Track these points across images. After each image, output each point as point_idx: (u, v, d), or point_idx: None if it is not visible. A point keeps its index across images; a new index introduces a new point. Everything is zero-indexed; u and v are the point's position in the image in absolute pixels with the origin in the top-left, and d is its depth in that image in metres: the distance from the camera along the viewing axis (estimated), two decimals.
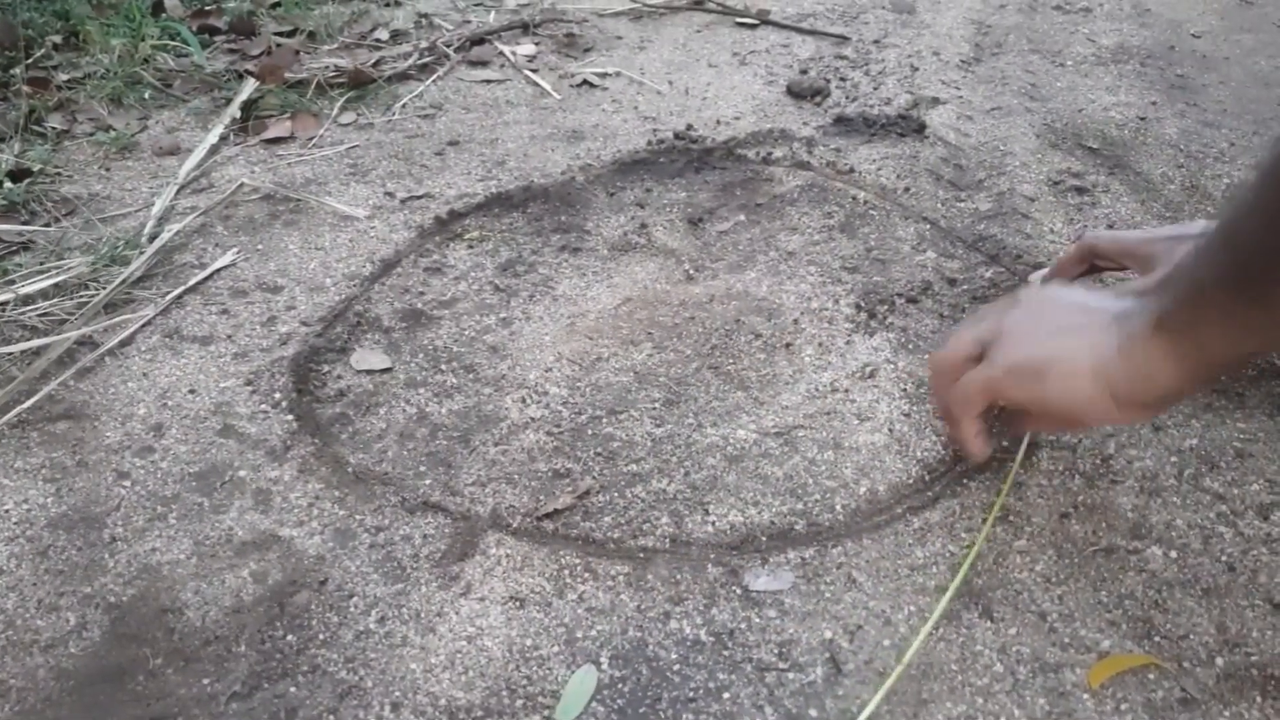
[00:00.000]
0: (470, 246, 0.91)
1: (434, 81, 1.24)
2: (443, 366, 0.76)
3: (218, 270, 0.86)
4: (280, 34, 1.37)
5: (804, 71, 1.27)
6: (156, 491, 0.64)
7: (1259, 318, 0.44)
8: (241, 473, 0.66)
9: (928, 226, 0.93)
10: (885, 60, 1.31)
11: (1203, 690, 0.51)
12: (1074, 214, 0.94)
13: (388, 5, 1.51)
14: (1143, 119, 1.14)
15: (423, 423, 0.70)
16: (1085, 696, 0.51)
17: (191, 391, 0.73)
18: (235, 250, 0.89)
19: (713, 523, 0.62)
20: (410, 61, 1.27)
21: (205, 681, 0.52)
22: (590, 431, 0.69)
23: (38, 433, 0.69)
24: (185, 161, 1.03)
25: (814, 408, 0.71)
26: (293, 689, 0.52)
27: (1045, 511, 0.62)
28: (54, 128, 1.09)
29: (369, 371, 0.75)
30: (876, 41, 1.38)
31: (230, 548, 0.60)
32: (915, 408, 0.71)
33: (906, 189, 0.98)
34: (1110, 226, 0.92)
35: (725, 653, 0.53)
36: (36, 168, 1.00)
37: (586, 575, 0.58)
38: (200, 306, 0.82)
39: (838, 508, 0.63)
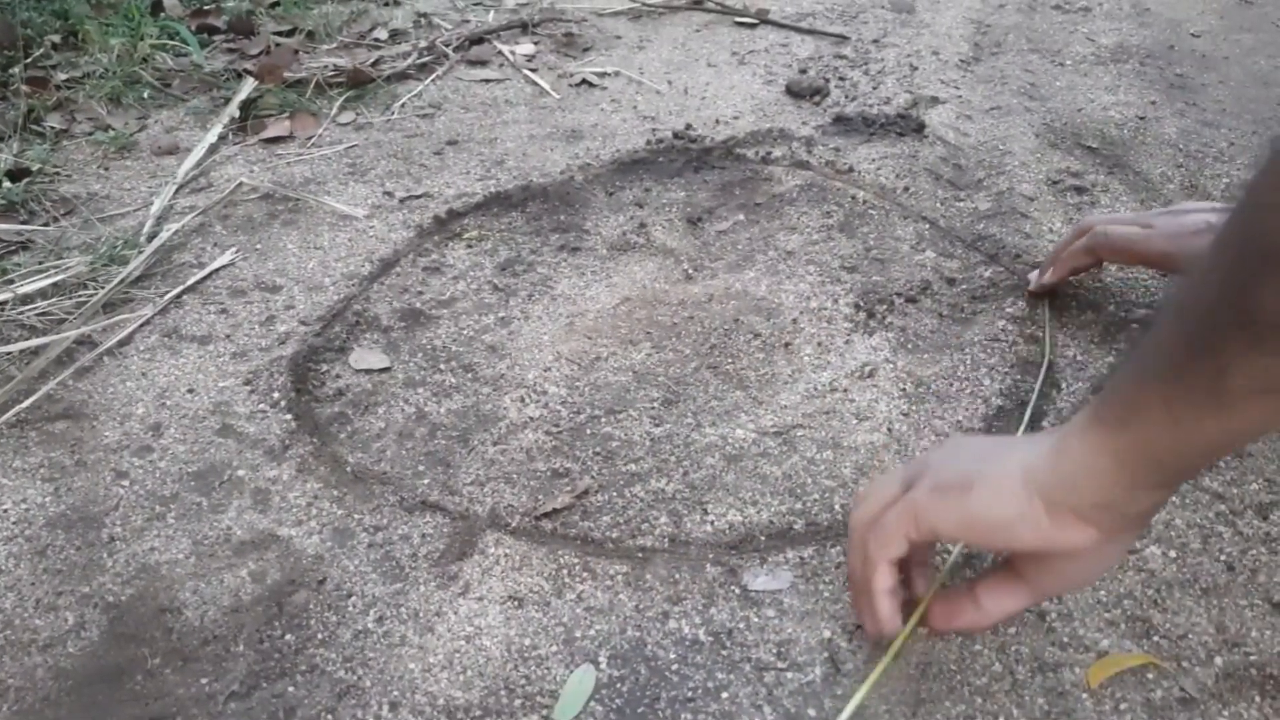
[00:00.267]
0: (469, 246, 0.90)
1: (433, 81, 1.24)
2: (441, 366, 0.75)
3: (216, 270, 0.86)
4: (279, 33, 1.37)
5: (803, 71, 1.27)
6: (155, 491, 0.64)
7: (1206, 407, 0.36)
8: (240, 472, 0.66)
9: (927, 226, 0.93)
10: (884, 60, 1.31)
11: (1202, 690, 0.51)
12: (1073, 213, 0.94)
13: (387, 5, 1.51)
14: (1142, 118, 1.14)
15: (421, 422, 0.70)
16: (1084, 696, 0.51)
17: (190, 391, 0.73)
18: (234, 250, 0.89)
19: (711, 522, 0.62)
20: (409, 61, 1.27)
21: (204, 681, 0.52)
22: (589, 431, 0.69)
23: (36, 432, 0.69)
24: (184, 161, 1.03)
25: (813, 407, 0.71)
26: (291, 688, 0.52)
27: None
28: (53, 127, 1.09)
29: (368, 371, 0.75)
30: (876, 41, 1.38)
31: (229, 547, 0.60)
32: (914, 407, 0.71)
33: (905, 188, 0.98)
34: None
35: (724, 652, 0.53)
36: (35, 167, 1.00)
37: (585, 575, 0.58)
38: (199, 306, 0.82)
39: (836, 507, 0.63)
